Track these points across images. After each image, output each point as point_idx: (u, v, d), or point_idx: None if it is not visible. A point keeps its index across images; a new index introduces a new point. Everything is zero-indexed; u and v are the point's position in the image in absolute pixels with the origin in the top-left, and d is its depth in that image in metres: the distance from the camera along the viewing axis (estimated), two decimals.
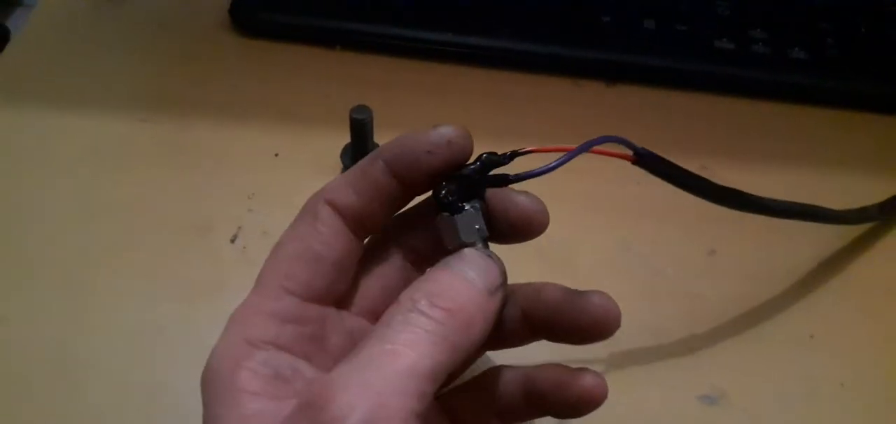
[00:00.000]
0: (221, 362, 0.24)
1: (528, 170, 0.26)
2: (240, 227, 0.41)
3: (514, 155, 0.26)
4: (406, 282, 0.26)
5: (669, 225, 0.43)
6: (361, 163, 0.26)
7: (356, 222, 0.26)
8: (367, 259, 0.28)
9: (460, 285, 0.23)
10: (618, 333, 0.37)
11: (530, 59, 0.51)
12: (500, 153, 0.26)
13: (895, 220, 0.44)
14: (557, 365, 0.27)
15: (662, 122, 0.49)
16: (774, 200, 0.37)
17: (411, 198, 0.27)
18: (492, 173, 0.26)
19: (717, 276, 0.41)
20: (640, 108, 0.50)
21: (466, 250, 0.25)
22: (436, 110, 0.48)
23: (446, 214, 0.25)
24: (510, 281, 0.26)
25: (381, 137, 0.43)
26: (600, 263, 0.41)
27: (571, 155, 0.25)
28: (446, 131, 0.25)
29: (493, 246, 0.26)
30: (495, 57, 0.51)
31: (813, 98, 0.50)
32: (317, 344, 0.26)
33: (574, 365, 0.27)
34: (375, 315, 0.27)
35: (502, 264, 0.25)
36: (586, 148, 0.26)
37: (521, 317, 0.27)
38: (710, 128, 0.49)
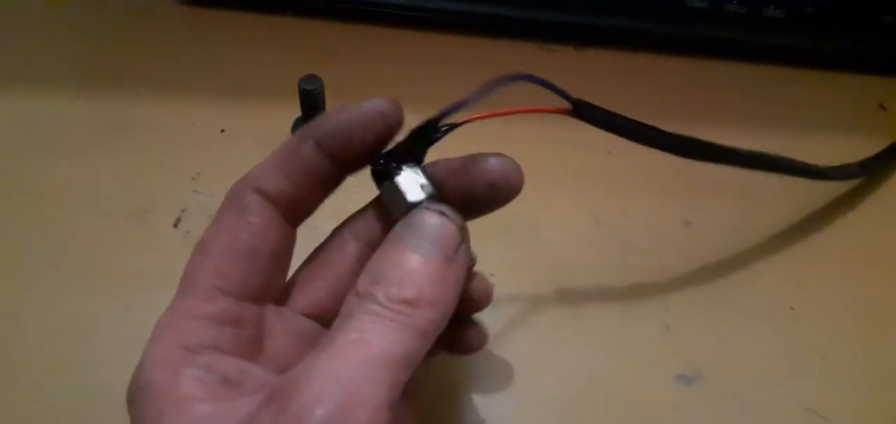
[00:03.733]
0: (156, 371, 0.21)
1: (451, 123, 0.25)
2: (183, 210, 0.38)
3: (451, 128, 0.24)
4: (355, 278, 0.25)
5: (642, 195, 0.41)
6: (287, 143, 0.24)
7: (288, 209, 0.24)
8: (311, 256, 0.26)
9: (416, 264, 0.21)
10: (590, 310, 0.36)
11: (494, 22, 0.48)
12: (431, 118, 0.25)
13: (873, 183, 0.43)
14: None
15: (635, 87, 0.47)
16: (741, 149, 0.35)
17: (344, 178, 0.25)
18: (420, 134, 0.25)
19: (692, 248, 0.39)
20: (612, 73, 0.48)
21: (415, 214, 0.22)
22: (393, 79, 0.45)
23: (387, 182, 0.24)
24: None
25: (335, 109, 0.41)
26: (569, 238, 0.39)
27: (485, 90, 0.24)
28: (378, 104, 0.24)
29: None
30: (456, 21, 0.48)
31: (790, 58, 0.48)
32: (256, 346, 0.24)
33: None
34: (323, 313, 0.26)
35: (459, 217, 0.23)
36: (498, 85, 0.24)
37: None
38: (683, 91, 0.47)
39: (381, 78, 0.45)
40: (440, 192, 0.24)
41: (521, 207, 0.39)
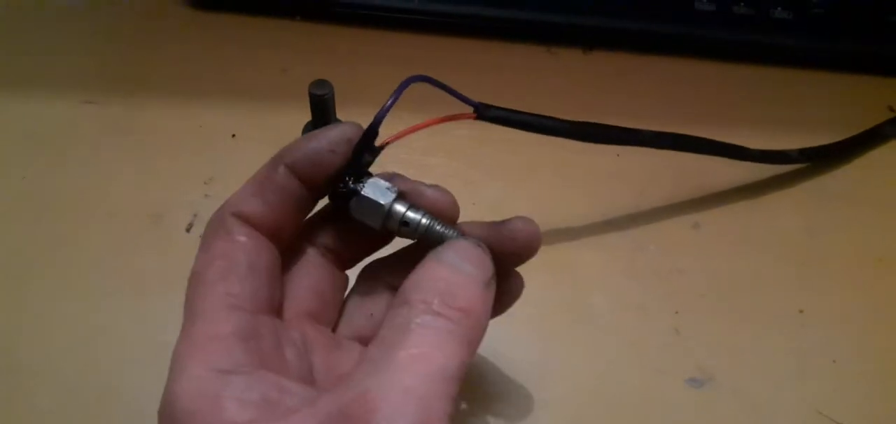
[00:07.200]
0: (195, 401, 0.20)
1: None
2: (195, 214, 0.38)
3: (380, 149, 0.27)
4: (331, 280, 0.27)
5: (651, 197, 0.41)
6: (261, 170, 0.26)
7: (270, 231, 0.25)
8: (284, 265, 0.27)
9: (465, 281, 0.23)
10: (599, 312, 0.36)
11: (502, 25, 0.49)
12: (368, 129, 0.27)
13: (884, 190, 0.43)
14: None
15: (642, 89, 0.47)
16: (643, 130, 0.36)
17: (316, 201, 0.27)
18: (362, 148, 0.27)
19: (702, 251, 0.39)
20: (619, 75, 0.48)
21: (458, 241, 0.25)
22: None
23: (355, 198, 0.26)
24: None
25: (344, 113, 0.41)
26: (579, 240, 0.39)
27: (397, 93, 0.26)
28: (347, 130, 0.25)
29: None
30: (464, 24, 0.48)
31: (798, 60, 0.48)
32: (280, 358, 0.23)
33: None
34: (313, 318, 0.26)
35: (489, 252, 0.25)
36: (405, 86, 0.27)
37: None
38: (691, 93, 0.47)
39: (389, 82, 0.44)
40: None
41: (531, 208, 0.39)
